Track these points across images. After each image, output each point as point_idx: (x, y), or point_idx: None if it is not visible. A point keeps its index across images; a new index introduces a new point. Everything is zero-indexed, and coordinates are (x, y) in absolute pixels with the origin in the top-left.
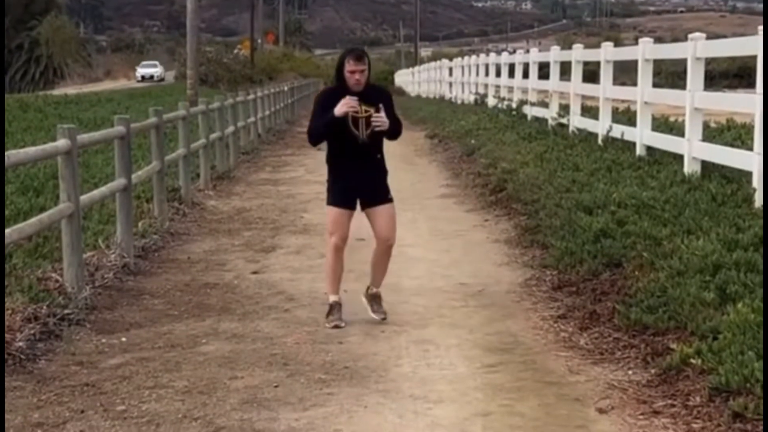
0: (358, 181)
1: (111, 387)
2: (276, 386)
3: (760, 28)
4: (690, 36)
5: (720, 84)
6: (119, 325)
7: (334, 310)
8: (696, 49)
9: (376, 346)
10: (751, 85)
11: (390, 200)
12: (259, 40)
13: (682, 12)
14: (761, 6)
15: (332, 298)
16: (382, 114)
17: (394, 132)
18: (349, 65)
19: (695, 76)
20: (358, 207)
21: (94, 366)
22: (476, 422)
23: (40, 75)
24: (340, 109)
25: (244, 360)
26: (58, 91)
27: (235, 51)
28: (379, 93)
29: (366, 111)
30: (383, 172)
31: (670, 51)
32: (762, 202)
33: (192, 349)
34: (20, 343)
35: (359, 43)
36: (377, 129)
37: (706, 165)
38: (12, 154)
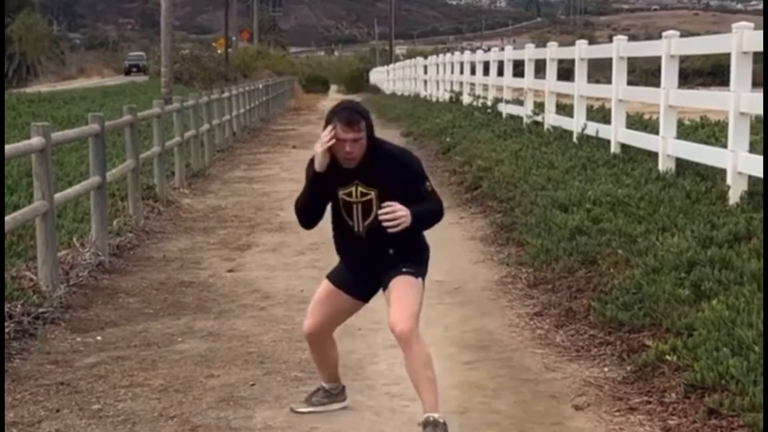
0: (363, 271)
1: (86, 386)
2: (252, 384)
3: (734, 25)
4: (664, 34)
5: (694, 82)
6: (94, 324)
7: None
8: (670, 47)
9: (353, 345)
10: (724, 82)
11: (406, 272)
12: (234, 38)
13: (655, 10)
14: (734, 4)
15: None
16: (394, 206)
17: (421, 223)
18: (337, 132)
19: (669, 73)
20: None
21: (69, 365)
22: (453, 420)
23: (13, 73)
24: (318, 159)
25: (220, 358)
26: (31, 89)
27: (210, 52)
28: (391, 164)
29: (364, 194)
30: (404, 261)
31: (645, 49)
32: (738, 200)
33: (168, 347)
34: None
35: (334, 40)
36: (389, 230)
37: (680, 162)
38: None
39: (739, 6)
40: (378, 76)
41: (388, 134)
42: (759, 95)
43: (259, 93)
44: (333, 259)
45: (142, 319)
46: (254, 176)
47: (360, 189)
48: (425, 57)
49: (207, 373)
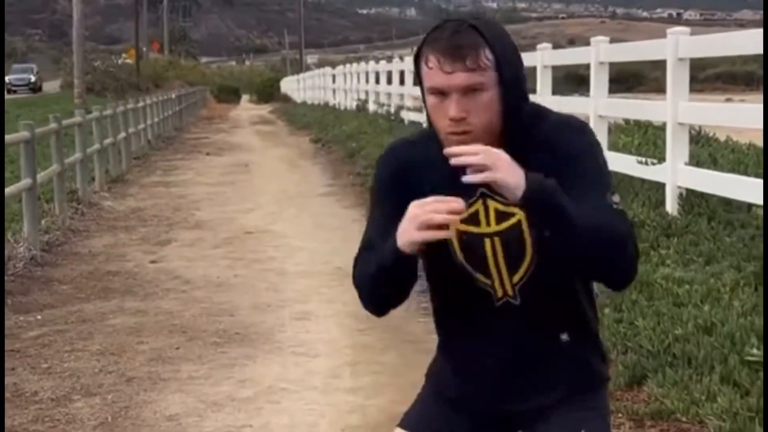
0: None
1: (34, 351)
2: (177, 348)
3: (669, 30)
4: (593, 39)
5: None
6: (34, 306)
7: None
8: (599, 54)
9: (263, 317)
10: (629, 89)
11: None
12: (144, 49)
13: (563, 18)
14: (640, 12)
15: None
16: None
17: (585, 231)
18: (432, 71)
19: (599, 82)
20: None
21: (17, 337)
22: (345, 370)
23: None
24: (408, 235)
25: (148, 329)
26: None
27: (121, 60)
28: (555, 144)
29: (503, 216)
30: (578, 376)
31: (572, 56)
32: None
33: (101, 322)
34: None
35: (246, 50)
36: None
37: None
38: None
39: (645, 14)
40: (289, 85)
41: (298, 140)
42: (698, 104)
43: (172, 103)
44: (246, 251)
45: (76, 301)
46: (170, 181)
47: (494, 206)
48: (334, 67)
49: (138, 341)
